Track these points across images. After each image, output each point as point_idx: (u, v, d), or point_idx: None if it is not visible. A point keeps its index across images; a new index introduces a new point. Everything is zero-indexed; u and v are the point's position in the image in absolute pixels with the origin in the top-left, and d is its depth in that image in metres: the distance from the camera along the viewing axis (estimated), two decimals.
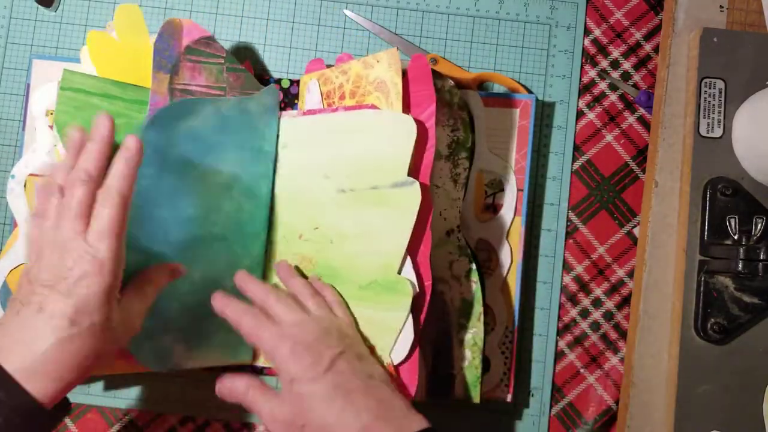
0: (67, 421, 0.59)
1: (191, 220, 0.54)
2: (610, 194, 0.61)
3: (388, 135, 0.52)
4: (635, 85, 0.62)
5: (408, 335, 0.51)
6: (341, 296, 0.53)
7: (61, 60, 0.60)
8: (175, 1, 0.62)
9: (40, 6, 0.62)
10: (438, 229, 0.57)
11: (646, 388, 0.57)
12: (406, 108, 0.53)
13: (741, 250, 0.54)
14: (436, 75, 0.58)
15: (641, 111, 0.62)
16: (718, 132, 0.57)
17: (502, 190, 0.59)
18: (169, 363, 0.54)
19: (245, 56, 0.62)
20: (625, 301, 0.60)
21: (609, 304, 0.61)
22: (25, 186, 0.59)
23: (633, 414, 0.57)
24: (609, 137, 0.62)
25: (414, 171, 0.52)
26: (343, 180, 0.54)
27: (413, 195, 0.50)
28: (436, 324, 0.56)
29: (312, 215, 0.55)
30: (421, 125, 0.52)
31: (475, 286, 0.56)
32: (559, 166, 0.61)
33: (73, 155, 0.47)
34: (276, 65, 0.62)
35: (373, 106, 0.53)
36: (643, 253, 0.58)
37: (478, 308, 0.56)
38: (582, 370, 0.60)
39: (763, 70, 0.57)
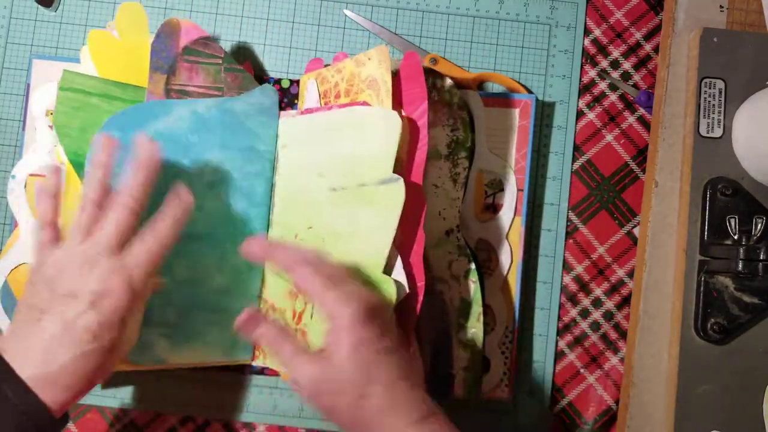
0: None
1: None
2: (610, 194, 0.61)
3: (375, 131, 0.52)
4: (635, 85, 0.62)
5: None
6: None
7: (61, 60, 0.60)
8: (175, 1, 0.62)
9: (40, 6, 0.62)
10: (437, 228, 0.57)
11: (646, 388, 0.57)
12: (398, 106, 0.53)
13: (741, 250, 0.54)
14: (436, 75, 0.58)
15: (641, 111, 0.62)
16: (718, 132, 0.57)
17: (502, 190, 0.59)
18: (149, 356, 0.54)
19: (245, 56, 0.62)
20: (625, 301, 0.60)
21: (609, 304, 0.60)
22: (25, 186, 0.59)
23: (633, 414, 0.57)
24: (609, 137, 0.62)
25: (406, 169, 0.52)
26: (336, 178, 0.54)
27: (397, 193, 0.50)
28: (435, 324, 0.56)
29: (307, 214, 0.55)
30: (413, 123, 0.52)
31: (475, 285, 0.56)
32: (559, 166, 0.61)
33: (104, 170, 0.47)
34: (276, 65, 0.62)
35: (365, 103, 0.53)
36: (643, 253, 0.58)
37: (477, 308, 0.56)
38: (582, 370, 0.60)
39: (763, 70, 0.57)
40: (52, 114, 0.58)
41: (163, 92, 0.56)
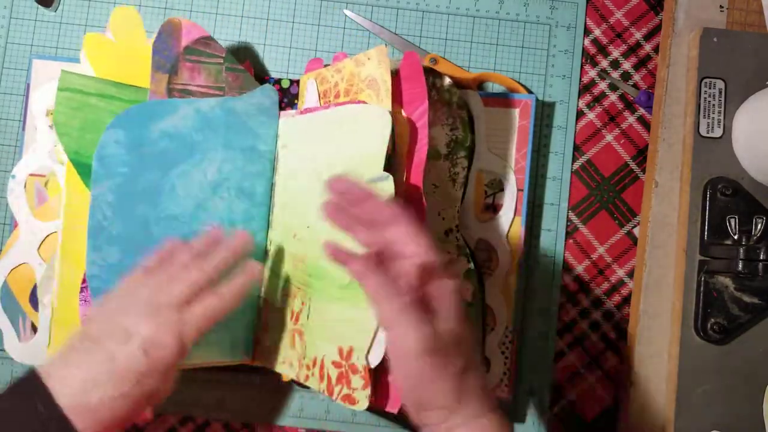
0: None
1: (175, 218, 0.55)
2: (610, 194, 0.61)
3: (367, 129, 0.52)
4: (635, 85, 0.62)
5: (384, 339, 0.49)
6: None
7: (61, 60, 0.60)
8: (175, 1, 0.62)
9: (40, 6, 0.62)
10: (436, 228, 0.57)
11: (646, 388, 0.57)
12: (398, 106, 0.53)
13: (741, 250, 0.54)
14: (436, 74, 0.58)
15: (641, 111, 0.62)
16: (718, 132, 0.57)
17: (502, 190, 0.59)
18: None
19: (245, 56, 0.62)
20: (625, 301, 0.60)
21: (609, 304, 0.60)
22: (25, 186, 0.59)
23: (633, 414, 0.57)
24: (609, 137, 0.62)
25: (406, 169, 0.52)
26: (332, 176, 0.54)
27: (387, 190, 0.50)
28: None
29: (305, 214, 0.55)
30: (412, 123, 0.52)
31: (473, 286, 0.56)
32: (559, 166, 0.61)
33: (205, 245, 0.51)
34: (276, 65, 0.62)
35: (360, 102, 0.53)
36: (643, 253, 0.58)
37: (477, 308, 0.56)
38: (582, 370, 0.60)
39: (763, 70, 0.57)
40: (52, 114, 0.58)
41: (166, 91, 0.56)
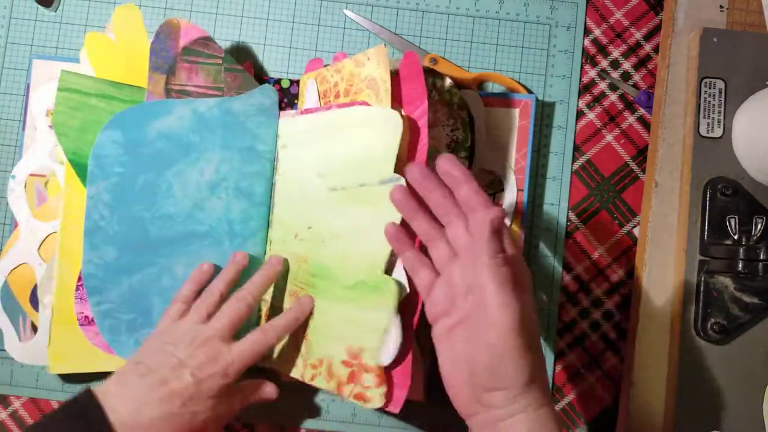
0: None
1: (171, 218, 0.56)
2: (610, 194, 0.61)
3: (375, 131, 0.52)
4: (635, 85, 0.62)
5: (396, 337, 0.50)
6: None
7: (61, 60, 0.60)
8: (175, 1, 0.62)
9: (40, 6, 0.62)
10: None
11: (646, 388, 0.57)
12: (398, 105, 0.53)
13: (741, 250, 0.54)
14: (436, 74, 0.58)
15: (641, 111, 0.62)
16: (718, 132, 0.57)
17: (502, 190, 0.59)
18: None
19: (245, 56, 0.62)
20: (625, 301, 0.60)
21: (609, 304, 0.60)
22: (25, 186, 0.59)
23: (633, 414, 0.57)
24: (609, 137, 0.62)
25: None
26: (335, 178, 0.54)
27: None
28: None
29: (307, 214, 0.55)
30: (413, 123, 0.52)
31: None
32: (559, 166, 0.61)
33: (235, 273, 0.55)
34: (276, 65, 0.62)
35: (365, 103, 0.53)
36: (643, 253, 0.58)
37: None
38: (582, 370, 0.60)
39: (763, 70, 0.57)
40: (52, 114, 0.58)
41: (163, 92, 0.56)
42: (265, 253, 0.58)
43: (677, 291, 0.56)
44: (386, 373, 0.51)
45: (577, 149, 0.62)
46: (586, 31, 0.62)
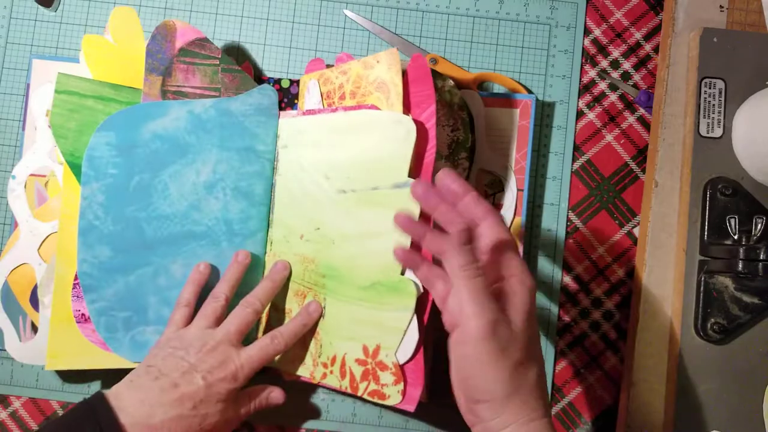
0: None
1: (167, 218, 0.56)
2: (610, 194, 0.61)
3: (388, 135, 0.52)
4: (635, 85, 0.62)
5: (413, 335, 0.51)
6: None
7: (61, 60, 0.60)
8: (174, 2, 0.62)
9: (40, 6, 0.62)
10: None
11: (646, 388, 0.57)
12: (406, 108, 0.53)
13: (741, 250, 0.54)
14: (436, 75, 0.58)
15: (641, 111, 0.62)
16: (718, 132, 0.57)
17: (502, 190, 0.59)
18: (144, 355, 0.55)
19: (245, 56, 0.62)
20: (625, 301, 0.60)
21: (609, 304, 0.61)
22: (25, 186, 0.59)
23: (633, 414, 0.57)
24: (609, 137, 0.62)
25: (415, 172, 0.52)
26: (344, 181, 0.54)
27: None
28: (436, 324, 0.56)
29: (313, 216, 0.55)
30: (421, 125, 0.52)
31: None
32: (559, 166, 0.61)
33: (237, 277, 0.55)
34: (276, 65, 0.62)
35: (374, 107, 0.53)
36: (643, 253, 0.58)
37: None
38: (582, 370, 0.60)
39: (763, 70, 0.57)
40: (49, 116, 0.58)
41: (159, 94, 0.56)
42: (265, 253, 0.58)
43: (677, 291, 0.56)
44: (401, 370, 0.51)
45: (577, 149, 0.62)
46: (586, 31, 0.62)
